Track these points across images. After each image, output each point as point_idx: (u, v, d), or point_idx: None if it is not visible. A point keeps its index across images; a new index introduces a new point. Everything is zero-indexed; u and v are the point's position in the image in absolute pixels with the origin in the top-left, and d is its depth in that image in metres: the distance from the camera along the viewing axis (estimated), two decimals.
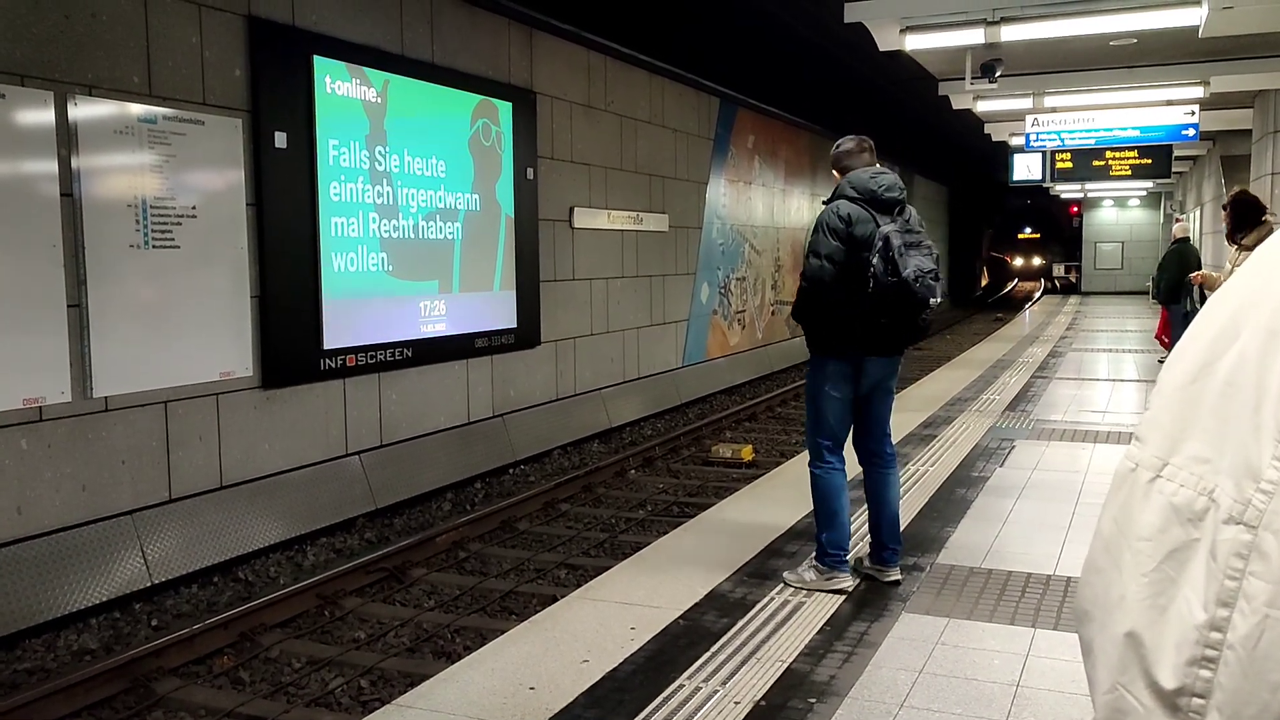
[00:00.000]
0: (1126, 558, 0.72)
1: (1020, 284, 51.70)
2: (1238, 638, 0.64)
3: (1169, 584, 0.69)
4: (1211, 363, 0.71)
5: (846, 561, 4.31)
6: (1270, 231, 6.78)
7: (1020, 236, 56.54)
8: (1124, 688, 0.70)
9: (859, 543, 4.69)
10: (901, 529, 5.12)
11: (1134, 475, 0.73)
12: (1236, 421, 0.68)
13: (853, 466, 4.43)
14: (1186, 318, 10.38)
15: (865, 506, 4.55)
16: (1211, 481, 0.68)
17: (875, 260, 4.05)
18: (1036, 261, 54.63)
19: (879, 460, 4.41)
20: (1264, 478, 0.65)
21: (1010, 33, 8.01)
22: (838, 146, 4.49)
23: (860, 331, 4.18)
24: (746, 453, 9.67)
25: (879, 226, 4.11)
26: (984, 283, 49.17)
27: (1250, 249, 6.42)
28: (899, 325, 4.16)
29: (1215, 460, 0.68)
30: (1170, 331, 11.34)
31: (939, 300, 4.13)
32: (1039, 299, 34.16)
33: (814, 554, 4.38)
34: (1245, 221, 6.77)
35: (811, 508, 4.46)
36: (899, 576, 4.37)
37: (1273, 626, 0.63)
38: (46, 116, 5.57)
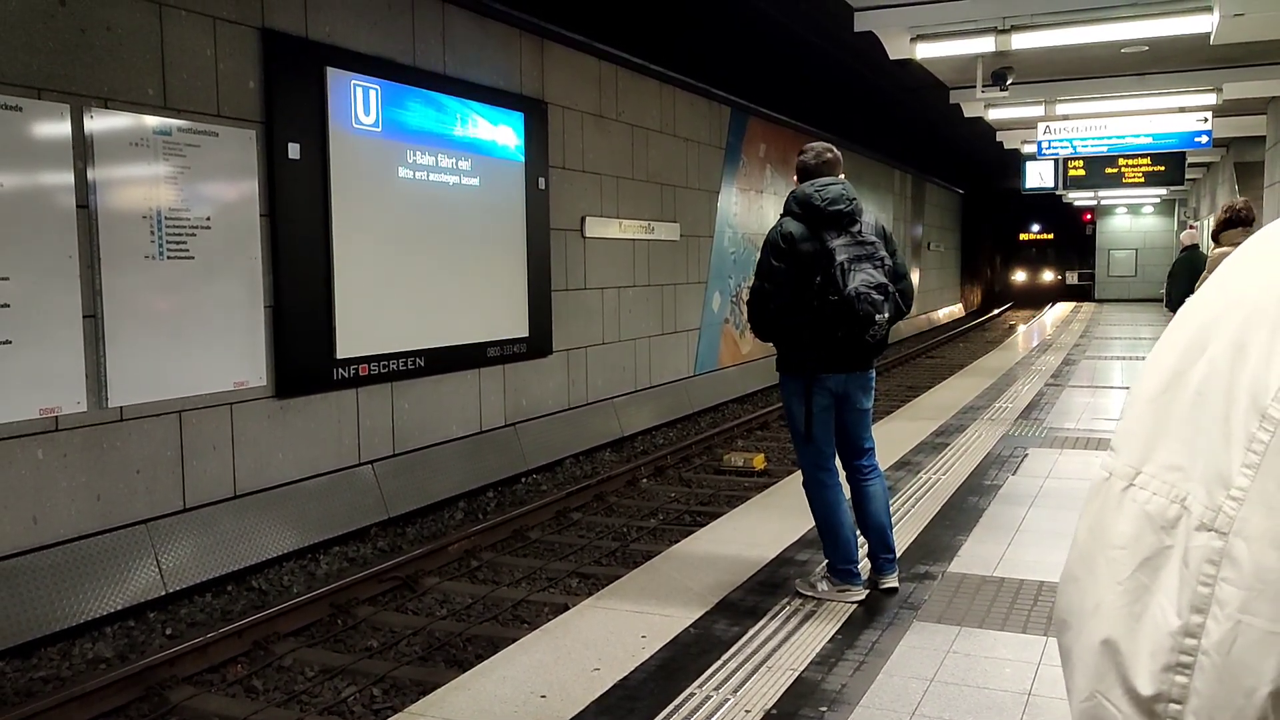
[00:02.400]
0: (1101, 566, 0.73)
1: (1014, 310, 38.14)
2: (1211, 643, 0.65)
3: (1143, 591, 0.70)
4: (1183, 372, 0.72)
5: (858, 574, 4.31)
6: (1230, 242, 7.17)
7: (1023, 238, 44.42)
8: (1102, 695, 0.71)
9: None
10: (914, 538, 5.14)
11: (1108, 484, 0.74)
12: (1207, 430, 0.69)
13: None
14: None
15: None
16: (1184, 489, 0.69)
17: (819, 278, 3.99)
18: (1047, 276, 43.27)
19: (858, 474, 4.37)
20: (1234, 485, 0.66)
21: (1021, 41, 8.01)
22: (800, 154, 4.39)
23: (811, 348, 4.14)
24: (758, 461, 9.66)
25: (825, 243, 4.04)
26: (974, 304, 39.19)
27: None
28: (850, 342, 4.08)
29: (1187, 468, 0.69)
30: None
31: (885, 316, 4.02)
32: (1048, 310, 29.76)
33: (826, 564, 4.38)
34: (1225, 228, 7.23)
35: None
36: (895, 584, 4.35)
37: (1245, 632, 0.64)
38: (63, 129, 5.63)
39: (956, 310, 33.73)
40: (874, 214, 4.30)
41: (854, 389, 4.26)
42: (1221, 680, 0.64)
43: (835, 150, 4.36)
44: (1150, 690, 0.68)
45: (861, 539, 4.41)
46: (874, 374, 4.36)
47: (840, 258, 3.99)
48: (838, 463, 4.35)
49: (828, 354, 4.14)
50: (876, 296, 3.99)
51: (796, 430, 4.31)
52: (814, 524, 4.45)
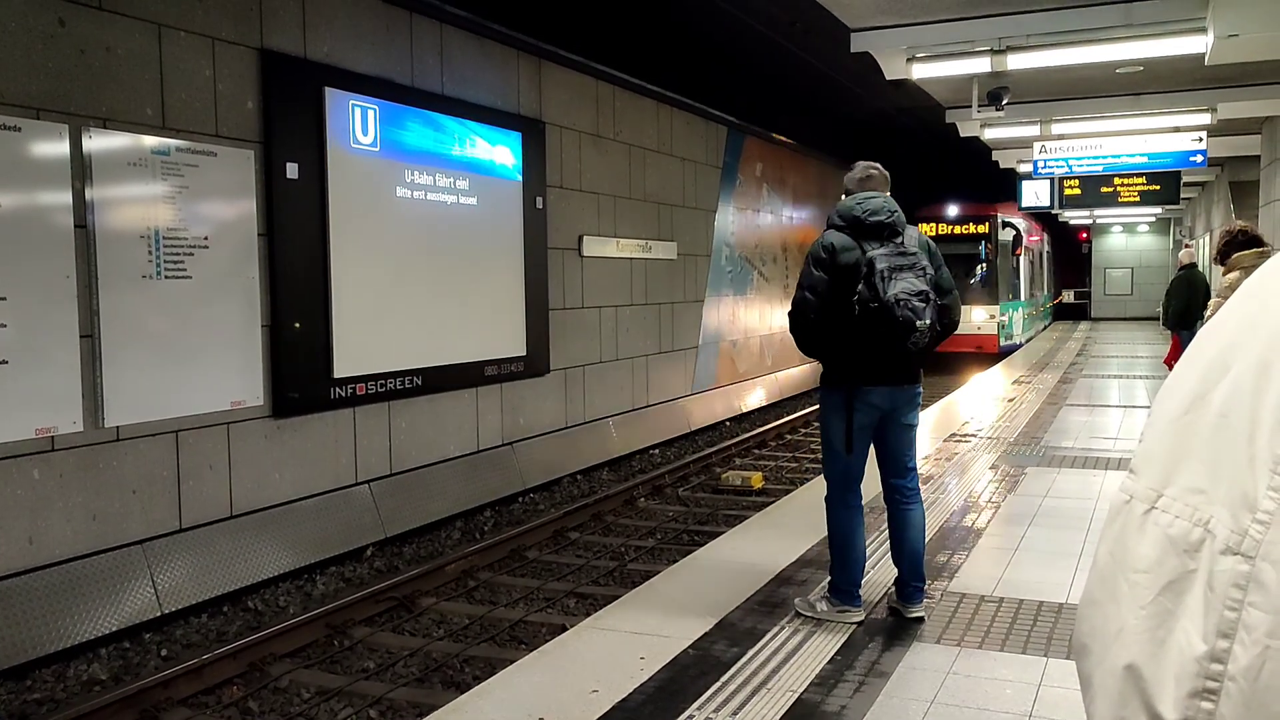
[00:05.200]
0: (1123, 590, 0.72)
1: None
2: (1239, 669, 0.64)
3: (1167, 616, 0.69)
4: (1205, 394, 0.71)
5: (859, 596, 4.28)
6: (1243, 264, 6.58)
7: (929, 231, 18.26)
8: None
9: (875, 574, 4.66)
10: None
11: (1129, 507, 0.73)
12: (1231, 452, 0.68)
13: (870, 489, 4.40)
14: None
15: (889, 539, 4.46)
16: (1207, 512, 0.68)
17: (860, 286, 3.99)
18: (977, 316, 19.04)
19: (899, 496, 4.31)
20: (1260, 508, 0.65)
21: (1016, 61, 8.04)
22: (849, 170, 4.45)
23: (853, 360, 4.12)
24: (756, 480, 9.65)
25: (865, 252, 4.04)
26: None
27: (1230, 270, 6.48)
28: (891, 350, 4.04)
29: (1210, 491, 0.68)
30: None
31: (926, 323, 3.98)
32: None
33: (827, 584, 4.36)
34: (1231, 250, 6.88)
35: (821, 535, 4.43)
36: (922, 614, 4.26)
37: (1273, 657, 0.62)
38: (61, 149, 5.64)
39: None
40: (918, 230, 4.29)
41: (901, 404, 4.22)
42: (1249, 707, 0.63)
43: (879, 168, 4.39)
44: (1175, 716, 0.67)
45: (880, 561, 4.33)
46: (921, 390, 4.31)
47: (880, 266, 3.98)
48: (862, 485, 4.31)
49: (870, 365, 4.11)
50: (917, 303, 3.96)
51: (831, 446, 4.24)
52: (813, 544, 4.44)
